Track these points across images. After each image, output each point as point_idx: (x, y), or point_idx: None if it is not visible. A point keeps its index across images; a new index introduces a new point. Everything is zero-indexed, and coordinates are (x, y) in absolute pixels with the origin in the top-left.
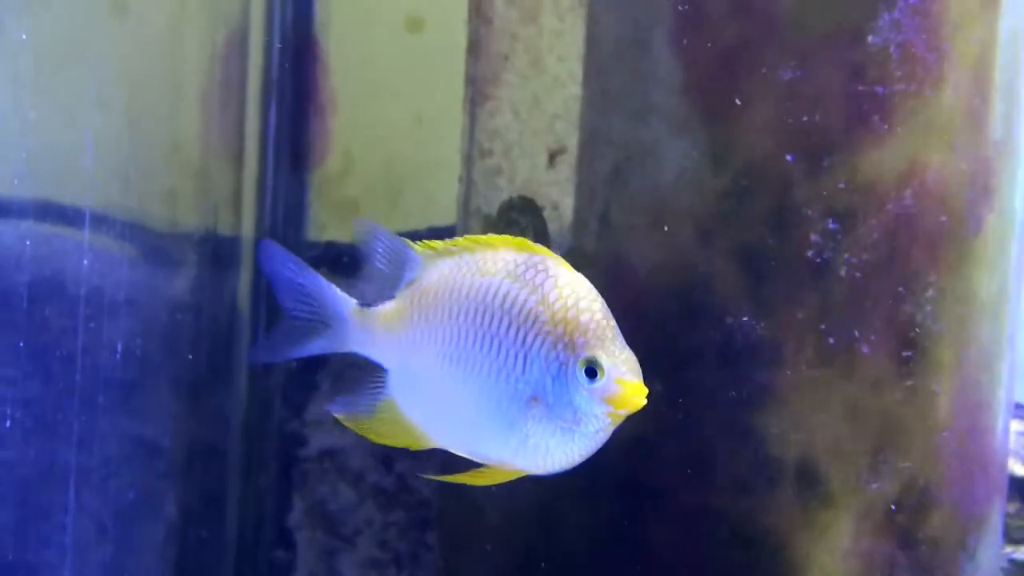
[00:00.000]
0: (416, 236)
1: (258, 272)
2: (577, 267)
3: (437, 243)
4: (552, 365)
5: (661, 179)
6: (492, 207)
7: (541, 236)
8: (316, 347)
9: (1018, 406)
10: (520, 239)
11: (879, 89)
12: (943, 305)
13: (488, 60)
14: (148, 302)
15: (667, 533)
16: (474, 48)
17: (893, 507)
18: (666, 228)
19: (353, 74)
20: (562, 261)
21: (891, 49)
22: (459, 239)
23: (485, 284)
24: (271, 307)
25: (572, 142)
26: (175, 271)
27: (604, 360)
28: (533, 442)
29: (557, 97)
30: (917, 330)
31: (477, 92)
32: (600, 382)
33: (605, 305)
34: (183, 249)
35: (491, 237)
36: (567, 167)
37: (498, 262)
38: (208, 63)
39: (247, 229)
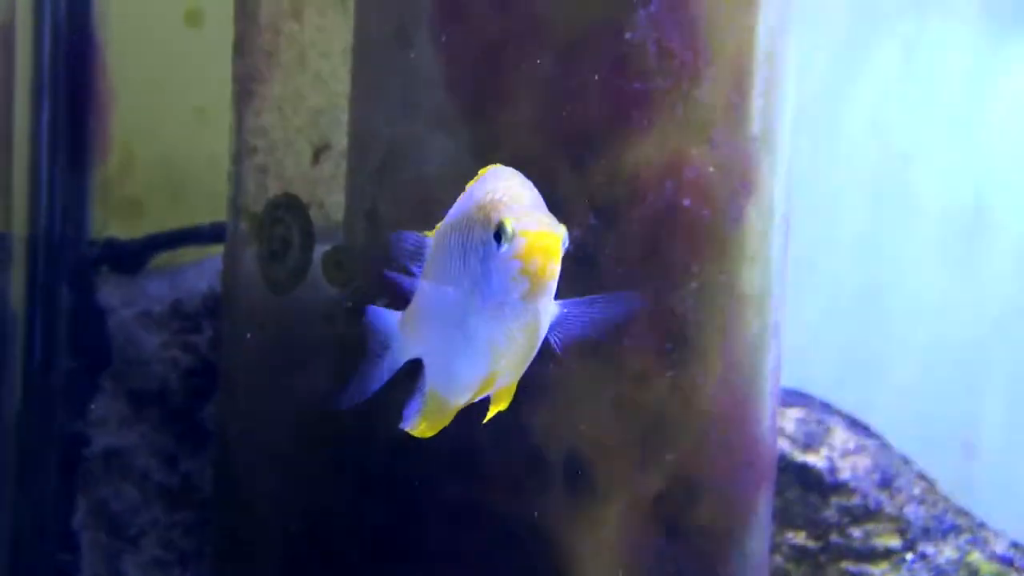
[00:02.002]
0: (200, 232)
1: (34, 271)
2: (344, 263)
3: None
4: (479, 250)
5: (425, 174)
6: (260, 205)
7: (306, 234)
8: (386, 371)
9: (799, 394)
10: (486, 167)
11: (638, 85)
12: (705, 297)
13: (253, 57)
14: None
15: (437, 531)
16: (239, 45)
17: (660, 499)
18: (432, 223)
19: (132, 69)
20: (497, 166)
21: (648, 45)
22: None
23: (445, 223)
24: (48, 306)
25: (337, 139)
26: None
27: (510, 221)
28: (482, 338)
29: (321, 94)
30: (679, 322)
31: (243, 89)
32: (507, 243)
33: (532, 188)
34: None
35: (470, 183)
36: (332, 164)
37: (459, 200)
38: None
39: (19, 227)
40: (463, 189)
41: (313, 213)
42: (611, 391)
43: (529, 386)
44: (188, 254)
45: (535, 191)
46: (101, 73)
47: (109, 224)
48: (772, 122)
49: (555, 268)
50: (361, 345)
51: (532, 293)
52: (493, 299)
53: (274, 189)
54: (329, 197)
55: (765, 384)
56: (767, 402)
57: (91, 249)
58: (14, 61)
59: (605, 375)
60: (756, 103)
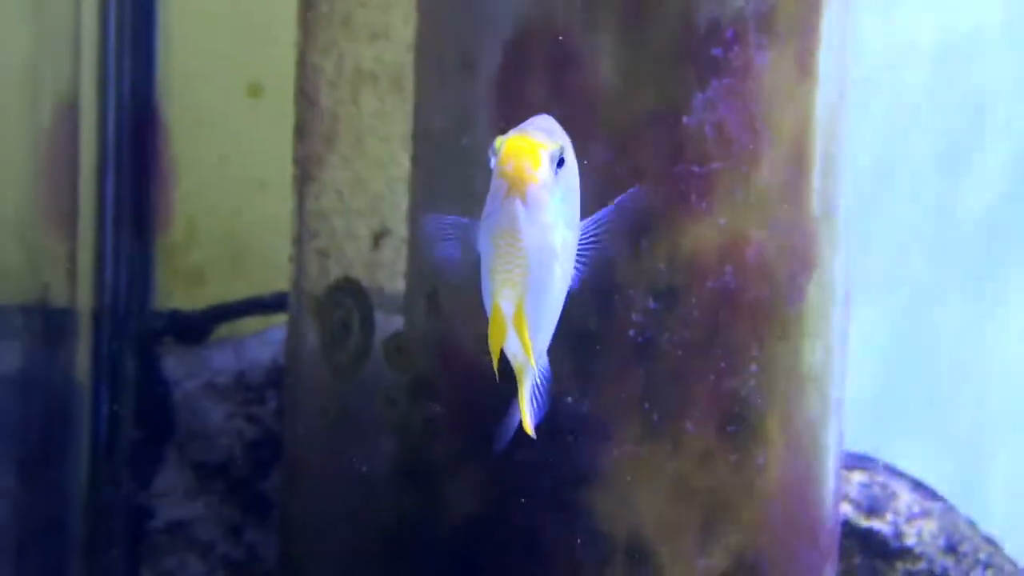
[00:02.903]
0: (263, 302)
1: (100, 343)
2: (404, 348)
3: None
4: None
5: None
6: (320, 289)
7: (367, 319)
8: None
9: (863, 457)
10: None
11: (696, 168)
12: (766, 378)
13: (312, 141)
14: None
15: None
16: (299, 128)
17: None
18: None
19: (195, 140)
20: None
21: (706, 129)
22: None
23: None
24: (113, 378)
25: (396, 224)
26: (2, 343)
27: (499, 138)
28: (485, 258)
29: (379, 179)
30: (741, 404)
31: (303, 172)
32: (494, 156)
33: (553, 124)
34: (11, 322)
35: None
36: (392, 249)
37: None
38: (34, 134)
39: (84, 300)
40: None
41: (373, 298)
42: (673, 472)
43: (591, 470)
44: (251, 324)
45: (554, 127)
46: (164, 146)
47: (172, 295)
48: (832, 199)
49: (530, 170)
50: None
51: (510, 195)
52: (488, 213)
53: (335, 273)
54: (389, 282)
55: (828, 462)
56: (830, 480)
57: (155, 320)
58: (79, 135)
59: (667, 458)
60: (815, 181)
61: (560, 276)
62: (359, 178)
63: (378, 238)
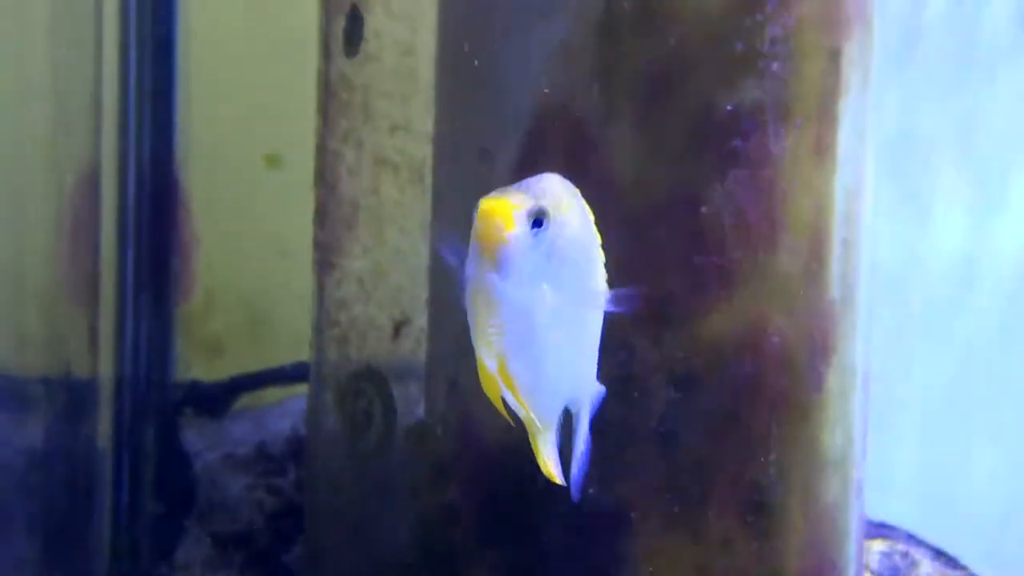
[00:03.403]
0: (283, 373)
1: (121, 415)
2: (426, 436)
3: None
4: None
5: None
6: (342, 377)
7: (388, 408)
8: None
9: (883, 525)
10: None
11: (714, 258)
12: (787, 465)
13: (333, 227)
14: None
15: None
16: (319, 215)
17: None
18: None
19: (215, 210)
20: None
21: (724, 218)
22: None
23: None
24: (134, 450)
25: (416, 314)
26: (24, 414)
27: (482, 199)
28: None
29: (400, 269)
30: (762, 492)
31: (324, 259)
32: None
33: (548, 184)
34: (33, 393)
35: None
36: (412, 339)
37: None
38: (55, 206)
39: (105, 369)
40: None
41: (394, 387)
42: (694, 561)
43: (612, 561)
44: (270, 394)
45: (549, 186)
46: (184, 216)
47: (192, 365)
48: (851, 284)
49: (499, 231)
50: None
51: (481, 256)
52: (467, 274)
53: (356, 361)
54: (410, 371)
55: (849, 546)
56: (851, 566)
57: (176, 392)
58: (100, 206)
59: (688, 547)
60: (834, 267)
61: (554, 333)
62: (380, 268)
63: (399, 327)
